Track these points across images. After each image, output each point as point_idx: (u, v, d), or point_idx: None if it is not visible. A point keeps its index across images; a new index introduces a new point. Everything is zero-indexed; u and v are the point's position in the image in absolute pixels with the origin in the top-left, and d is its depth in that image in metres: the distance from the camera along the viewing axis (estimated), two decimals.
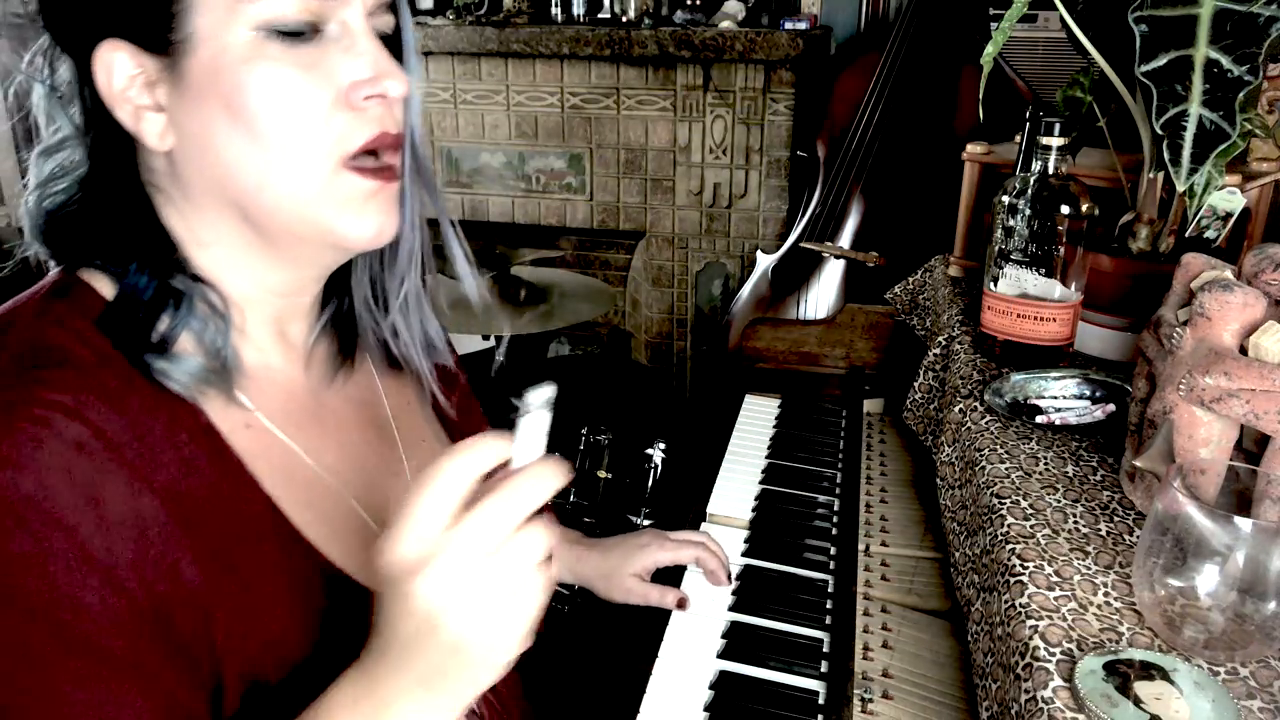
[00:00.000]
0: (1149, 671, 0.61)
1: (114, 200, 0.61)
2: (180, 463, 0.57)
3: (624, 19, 2.74)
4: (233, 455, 0.60)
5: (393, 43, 0.63)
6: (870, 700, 0.86)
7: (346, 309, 0.74)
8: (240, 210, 0.60)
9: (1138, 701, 0.58)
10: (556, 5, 2.81)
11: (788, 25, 2.58)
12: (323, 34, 0.58)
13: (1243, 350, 0.68)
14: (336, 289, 0.73)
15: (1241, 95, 0.84)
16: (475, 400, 0.91)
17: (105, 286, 0.60)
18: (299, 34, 0.57)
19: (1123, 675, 0.61)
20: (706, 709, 0.91)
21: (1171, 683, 0.60)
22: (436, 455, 0.78)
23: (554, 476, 0.50)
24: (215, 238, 0.62)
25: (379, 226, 0.62)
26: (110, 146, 0.61)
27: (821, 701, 0.92)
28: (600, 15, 2.77)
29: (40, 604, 0.50)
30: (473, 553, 0.48)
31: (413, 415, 0.80)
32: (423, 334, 0.77)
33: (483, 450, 0.50)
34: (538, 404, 0.51)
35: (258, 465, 0.62)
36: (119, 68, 0.57)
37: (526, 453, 0.51)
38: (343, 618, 0.62)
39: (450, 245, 0.72)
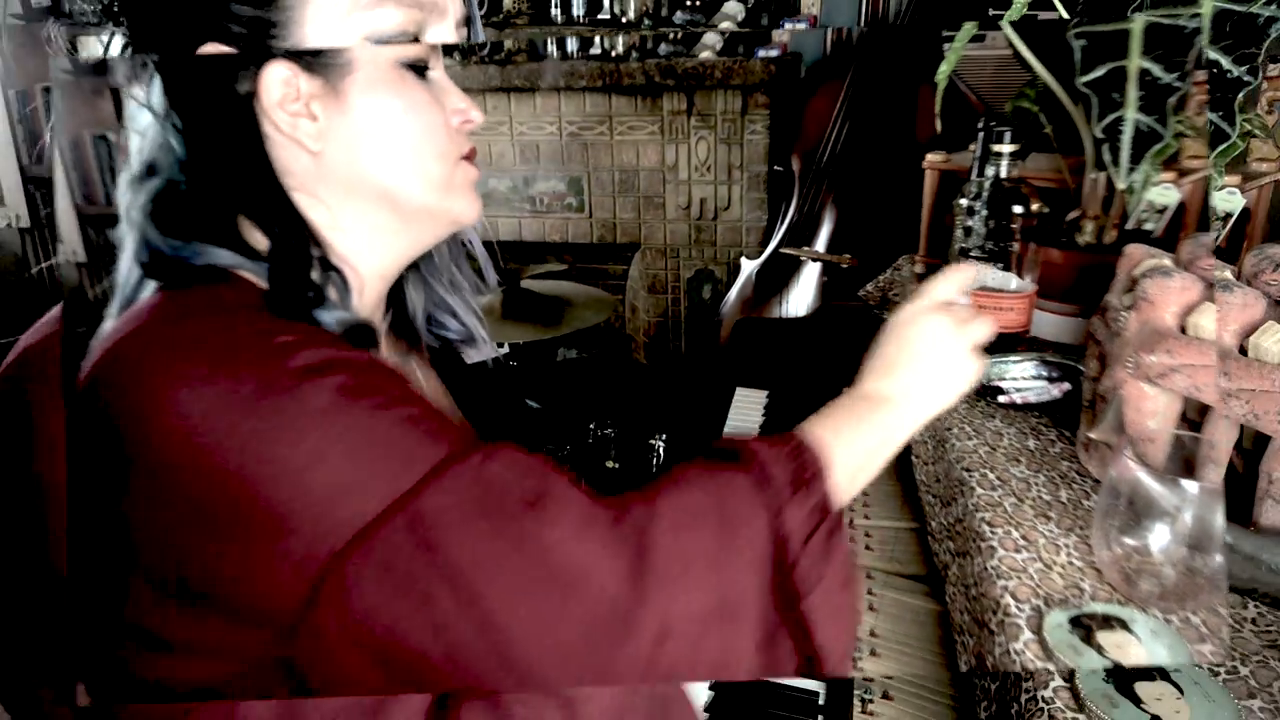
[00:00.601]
0: (1109, 623, 0.61)
1: (247, 195, 0.62)
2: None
3: (624, 19, 2.73)
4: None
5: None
6: (870, 700, 0.84)
7: (400, 308, 0.78)
8: (385, 197, 0.64)
9: (1138, 702, 0.56)
10: (556, 6, 2.79)
11: (761, 54, 2.58)
12: (430, 73, 0.65)
13: (1182, 330, 0.68)
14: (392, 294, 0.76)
15: (1241, 96, 0.81)
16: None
17: (250, 275, 0.60)
18: (420, 70, 0.63)
19: (1086, 627, 0.60)
20: (706, 709, 0.88)
21: (1172, 683, 0.58)
22: None
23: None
24: (356, 222, 0.65)
25: (479, 206, 0.70)
26: (243, 150, 0.62)
27: (821, 702, 0.88)
28: (600, 16, 2.75)
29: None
30: (951, 319, 0.66)
31: (442, 402, 0.82)
32: (462, 329, 0.82)
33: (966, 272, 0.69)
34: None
35: None
36: (279, 84, 0.60)
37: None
38: None
39: (471, 238, 0.80)
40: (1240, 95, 0.82)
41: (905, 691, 0.86)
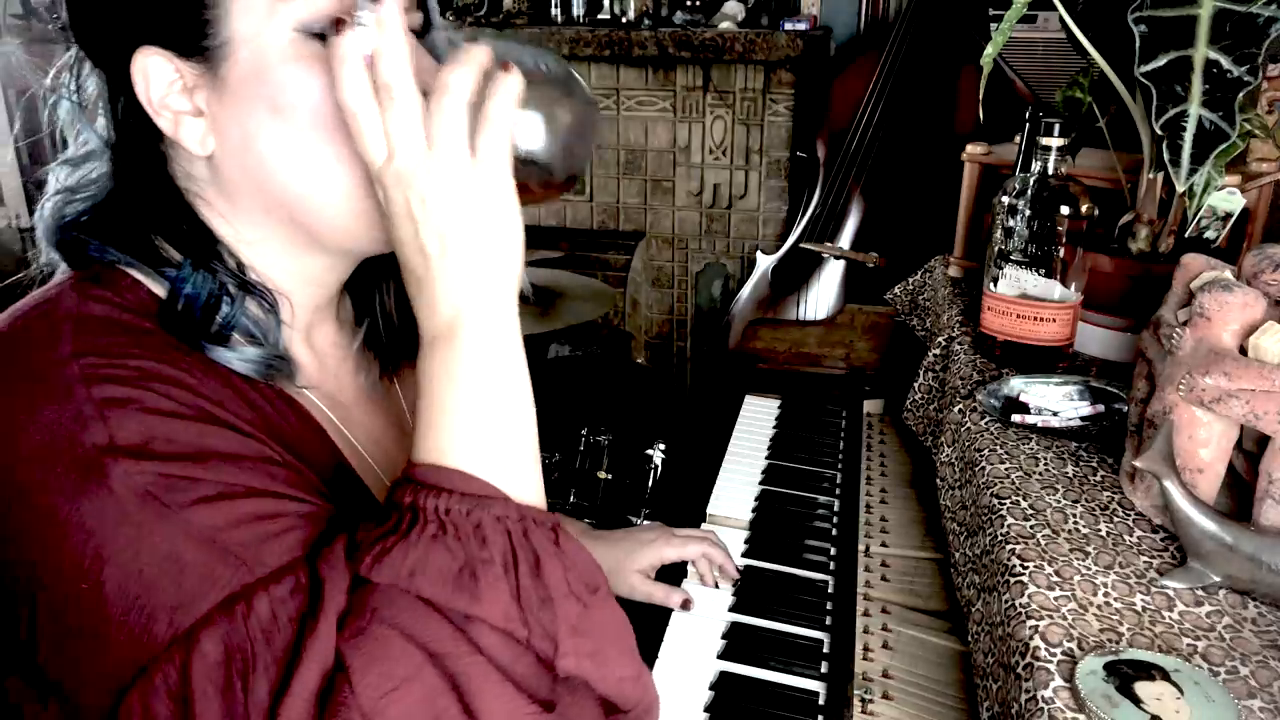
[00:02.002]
0: (1149, 672, 0.61)
1: (150, 204, 0.61)
2: (245, 408, 0.58)
3: (624, 20, 2.74)
4: (305, 410, 0.63)
5: (422, 39, 0.64)
6: (870, 701, 0.86)
7: (372, 324, 0.75)
8: (282, 208, 0.61)
9: (1138, 702, 0.58)
10: (556, 6, 2.81)
11: (787, 26, 2.58)
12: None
13: (1242, 350, 0.68)
14: (359, 292, 0.75)
15: (1241, 96, 0.84)
16: None
17: (146, 280, 0.60)
18: (337, 33, 0.57)
19: (1123, 675, 0.61)
20: (707, 709, 0.91)
21: (1172, 683, 0.60)
22: None
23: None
24: (260, 235, 0.63)
25: None
26: (141, 154, 0.61)
27: (821, 702, 0.92)
28: (600, 16, 2.77)
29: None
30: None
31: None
32: None
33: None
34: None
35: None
36: (156, 75, 0.58)
37: None
38: None
39: None
40: (1240, 95, 0.83)
41: (905, 691, 0.87)
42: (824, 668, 0.96)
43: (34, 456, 0.50)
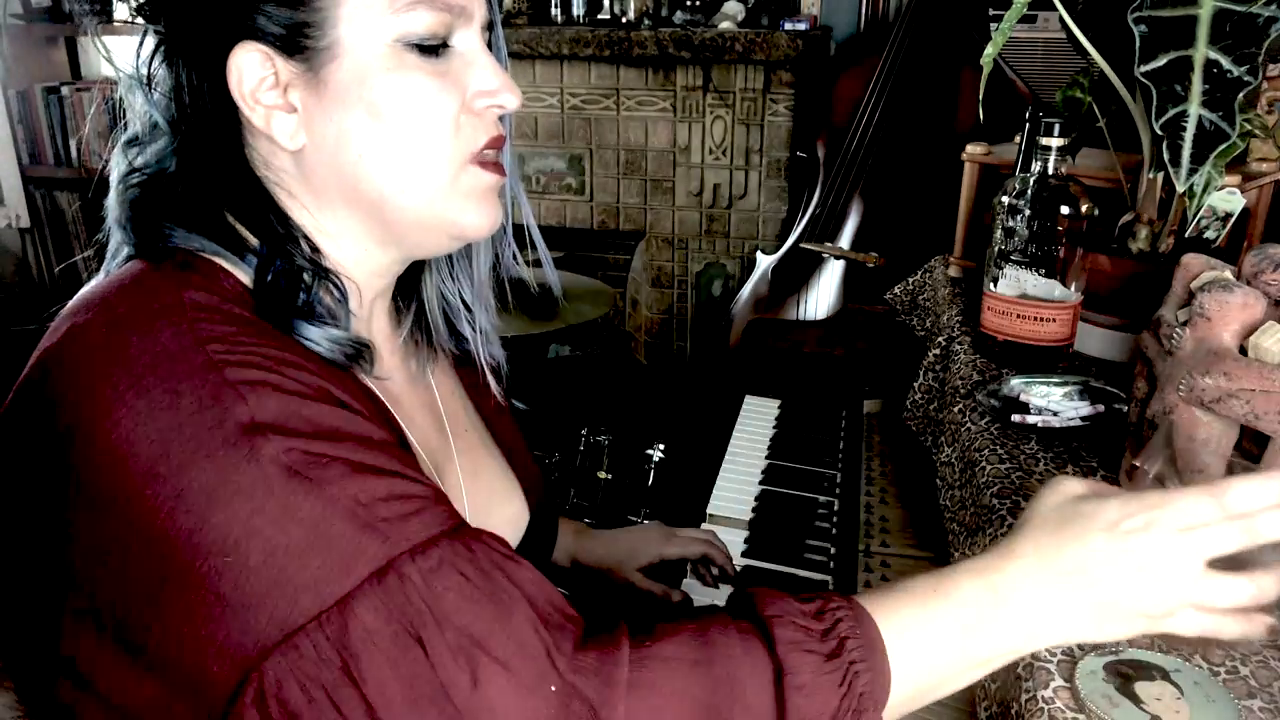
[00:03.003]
0: (1149, 672, 0.61)
1: (231, 192, 0.63)
2: (351, 397, 0.59)
3: (624, 20, 2.74)
4: (380, 400, 0.65)
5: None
6: None
7: (417, 312, 0.78)
8: (370, 204, 0.64)
9: (1138, 702, 0.58)
10: (556, 6, 2.81)
11: (787, 26, 2.58)
12: (450, 48, 0.63)
13: (1242, 350, 0.68)
14: (409, 292, 0.78)
15: (1241, 96, 0.84)
16: (510, 419, 0.94)
17: (231, 268, 0.61)
18: (432, 48, 0.62)
19: (1123, 675, 0.61)
20: None
21: (1172, 683, 0.60)
22: (476, 442, 0.82)
23: None
24: (339, 228, 0.66)
25: (492, 217, 0.68)
26: (222, 144, 0.63)
27: None
28: (600, 16, 2.77)
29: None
30: (1192, 593, 0.53)
31: (456, 403, 0.84)
32: (485, 326, 0.82)
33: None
34: None
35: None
36: (252, 70, 0.60)
37: None
38: None
39: (536, 240, 0.82)
40: (1240, 95, 0.84)
41: None
42: None
43: (175, 435, 0.50)
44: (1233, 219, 1.05)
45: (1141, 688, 0.60)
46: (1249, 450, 0.71)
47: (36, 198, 3.29)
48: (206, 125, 0.62)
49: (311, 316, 0.60)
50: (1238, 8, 0.84)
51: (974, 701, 0.74)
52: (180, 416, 0.50)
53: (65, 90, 3.19)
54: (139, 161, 0.64)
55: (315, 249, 0.65)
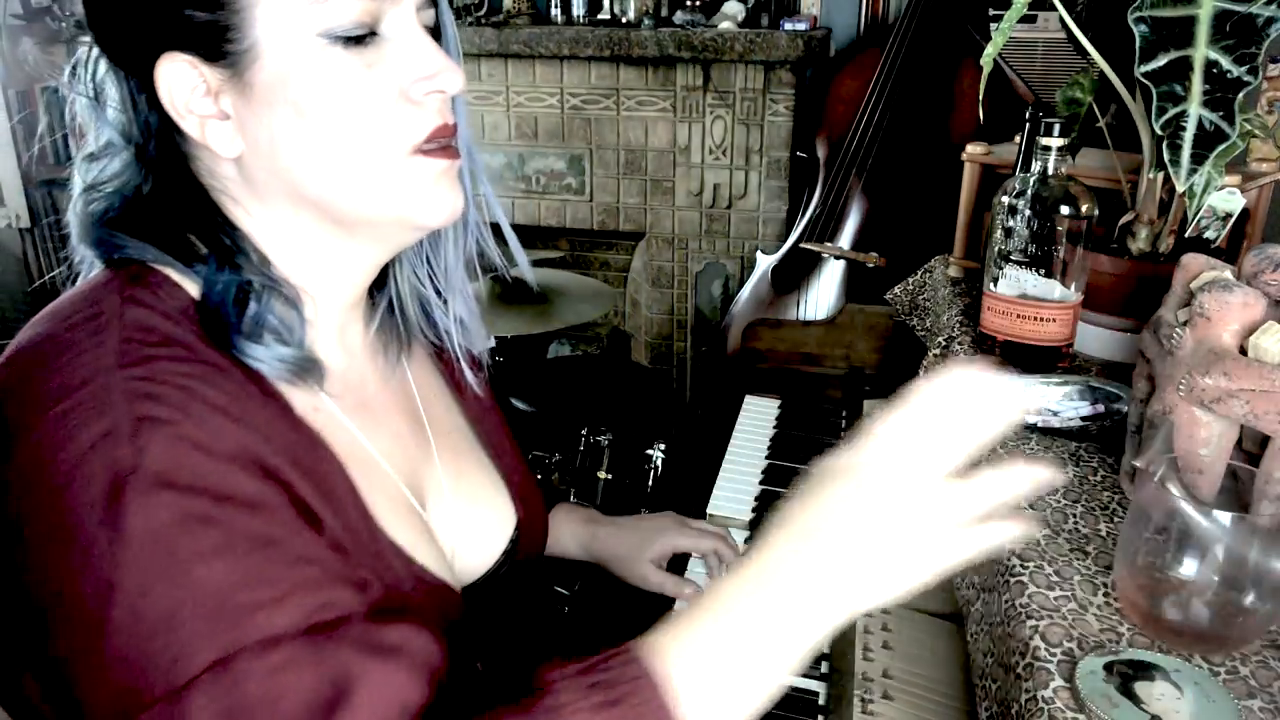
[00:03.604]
0: (1149, 672, 0.61)
1: (177, 203, 0.62)
2: (276, 435, 0.58)
3: (624, 20, 2.74)
4: (314, 431, 0.63)
5: (435, 36, 0.65)
6: (870, 701, 0.86)
7: (389, 304, 0.76)
8: (316, 205, 0.63)
9: (1138, 702, 0.59)
10: (556, 6, 2.81)
11: (787, 26, 2.58)
12: (379, 35, 0.60)
13: (1242, 350, 0.68)
14: (380, 284, 0.76)
15: (1241, 96, 0.84)
16: (500, 416, 0.93)
17: (181, 279, 0.61)
18: (358, 38, 0.59)
19: (1123, 675, 0.61)
20: None
21: (1172, 683, 0.60)
22: (461, 443, 0.80)
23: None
24: (290, 235, 0.64)
25: (451, 203, 0.65)
26: (165, 154, 0.62)
27: (822, 702, 0.92)
28: (600, 16, 2.77)
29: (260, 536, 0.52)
30: (940, 508, 0.52)
31: (438, 401, 0.82)
32: (459, 317, 0.79)
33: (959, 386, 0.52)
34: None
35: (330, 444, 0.64)
36: (180, 80, 0.59)
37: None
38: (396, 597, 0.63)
39: (505, 230, 0.78)
40: (1240, 95, 0.84)
41: (905, 691, 0.87)
42: (824, 668, 0.96)
43: (65, 473, 0.50)
44: (1233, 219, 1.05)
45: (1141, 688, 0.60)
46: (1250, 451, 0.71)
47: (36, 198, 3.30)
48: (151, 137, 0.62)
49: (257, 334, 0.59)
50: (1238, 8, 0.84)
51: (975, 701, 0.74)
52: (71, 454, 0.51)
53: (65, 90, 3.20)
54: (98, 176, 0.64)
55: (265, 260, 0.63)
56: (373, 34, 0.60)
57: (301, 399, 0.63)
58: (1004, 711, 0.66)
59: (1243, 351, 0.68)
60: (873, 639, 0.93)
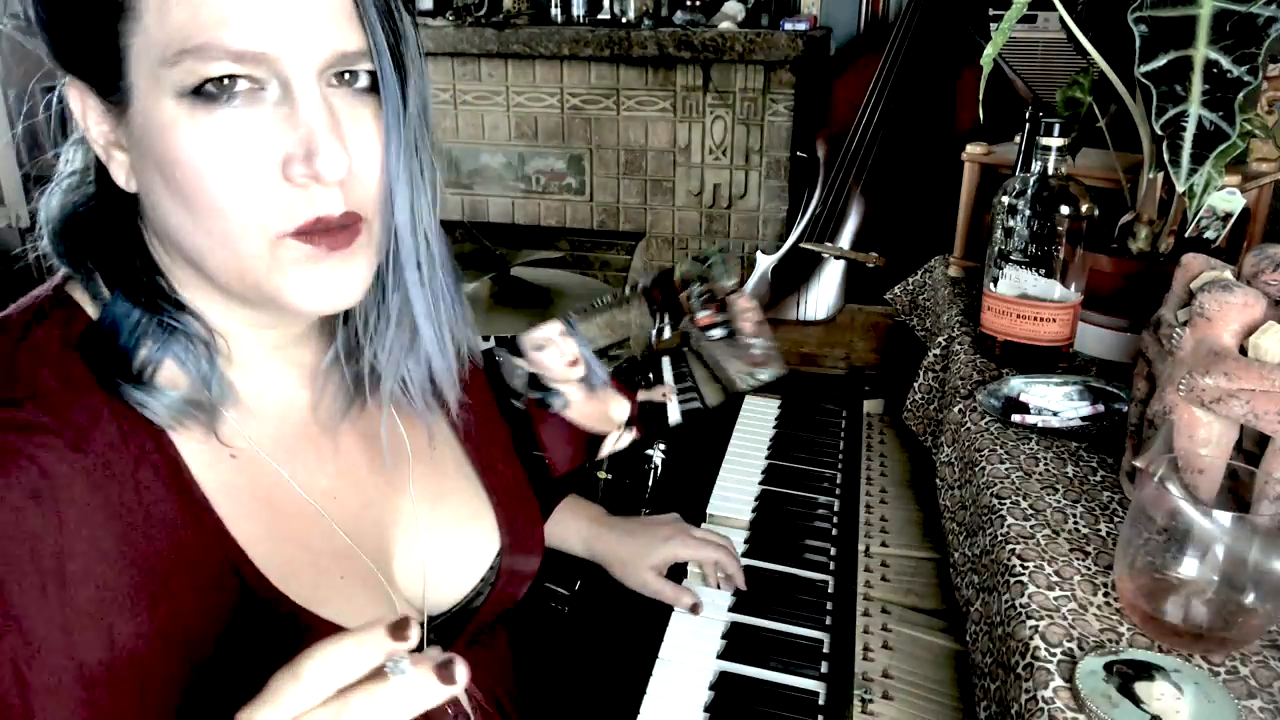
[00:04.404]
0: (1149, 672, 0.61)
1: (105, 223, 0.61)
2: (140, 505, 0.56)
3: (624, 20, 2.74)
4: (200, 493, 0.59)
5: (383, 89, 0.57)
6: (870, 701, 0.86)
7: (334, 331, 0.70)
8: (196, 267, 0.59)
9: (1138, 702, 0.59)
10: (556, 6, 2.81)
11: (787, 26, 2.58)
12: (263, 93, 0.53)
13: (1242, 350, 0.68)
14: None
15: (1241, 96, 0.84)
16: (496, 422, 0.88)
17: (92, 308, 0.59)
18: (227, 97, 0.52)
19: (1123, 675, 0.61)
20: (707, 709, 0.91)
21: (1172, 683, 0.60)
22: (445, 462, 0.76)
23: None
24: (186, 280, 0.61)
25: (332, 295, 0.58)
26: (99, 177, 0.60)
27: (822, 702, 0.92)
28: (600, 16, 2.77)
29: None
30: None
31: (417, 422, 0.76)
32: (425, 377, 0.71)
33: (354, 653, 0.44)
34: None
35: (236, 497, 0.61)
36: (74, 103, 0.57)
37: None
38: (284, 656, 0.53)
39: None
40: (1240, 95, 0.83)
41: (905, 691, 0.87)
42: (824, 668, 0.96)
43: None
44: (1233, 219, 1.05)
45: (1141, 688, 0.60)
46: (1250, 451, 0.71)
47: (36, 198, 3.30)
48: (87, 154, 0.60)
49: (141, 380, 0.56)
50: (1238, 8, 0.84)
51: (974, 701, 0.74)
52: None
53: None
54: (68, 159, 0.63)
55: (176, 299, 0.59)
56: (255, 91, 0.53)
57: (212, 447, 0.60)
58: (1004, 711, 0.66)
59: (1243, 351, 0.68)
60: (873, 639, 0.93)
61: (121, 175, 0.57)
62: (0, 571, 0.51)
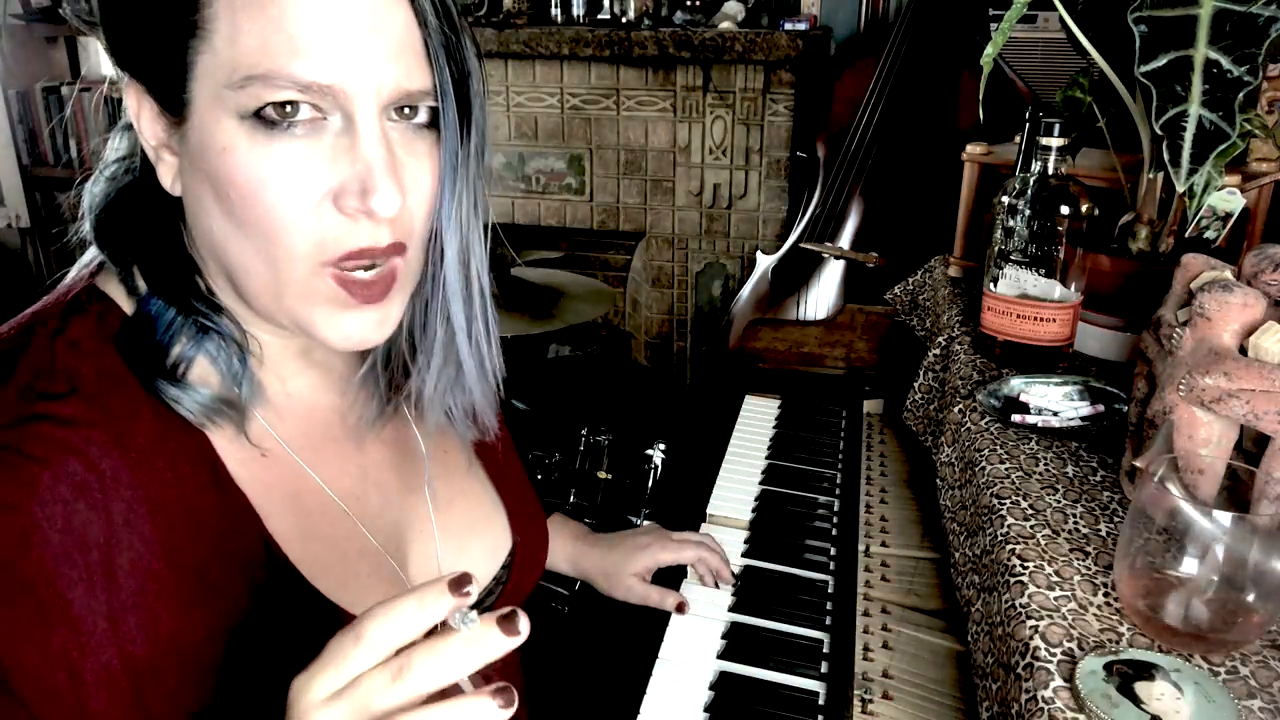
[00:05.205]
0: (1149, 672, 0.61)
1: (146, 217, 0.61)
2: (180, 499, 0.57)
3: (624, 20, 2.74)
4: (235, 488, 0.60)
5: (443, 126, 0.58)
6: (870, 701, 0.86)
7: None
8: (231, 279, 0.59)
9: (1138, 702, 0.59)
10: (556, 6, 2.81)
11: (787, 26, 2.58)
12: (325, 123, 0.53)
13: (1242, 350, 0.68)
14: None
15: (1241, 96, 0.84)
16: (514, 453, 0.89)
17: (126, 303, 0.60)
18: (289, 124, 0.52)
19: (1123, 675, 0.61)
20: (706, 709, 0.91)
21: (1172, 683, 0.60)
22: (461, 464, 0.77)
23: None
24: (223, 286, 0.61)
25: (360, 334, 0.58)
26: (146, 173, 0.60)
27: (822, 702, 0.92)
28: (600, 16, 2.77)
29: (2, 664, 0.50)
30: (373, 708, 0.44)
31: (448, 467, 0.78)
32: (468, 406, 0.72)
33: (415, 612, 0.45)
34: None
35: (267, 494, 0.62)
36: (131, 102, 0.57)
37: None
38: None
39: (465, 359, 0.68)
40: (1240, 95, 0.83)
41: (905, 691, 0.87)
42: (824, 668, 0.96)
43: None
44: (1233, 219, 1.05)
45: (1141, 688, 0.60)
46: (1250, 451, 0.71)
47: (36, 198, 3.30)
48: (134, 141, 0.60)
49: (176, 377, 0.56)
50: (1238, 8, 0.84)
51: (975, 701, 0.74)
52: None
53: (65, 90, 3.19)
54: (115, 145, 0.62)
55: (209, 295, 0.60)
56: (318, 120, 0.53)
57: (242, 446, 0.61)
58: (1004, 711, 0.66)
59: (1243, 351, 0.68)
60: (873, 639, 0.93)
61: (168, 178, 0.58)
62: (50, 565, 0.51)
